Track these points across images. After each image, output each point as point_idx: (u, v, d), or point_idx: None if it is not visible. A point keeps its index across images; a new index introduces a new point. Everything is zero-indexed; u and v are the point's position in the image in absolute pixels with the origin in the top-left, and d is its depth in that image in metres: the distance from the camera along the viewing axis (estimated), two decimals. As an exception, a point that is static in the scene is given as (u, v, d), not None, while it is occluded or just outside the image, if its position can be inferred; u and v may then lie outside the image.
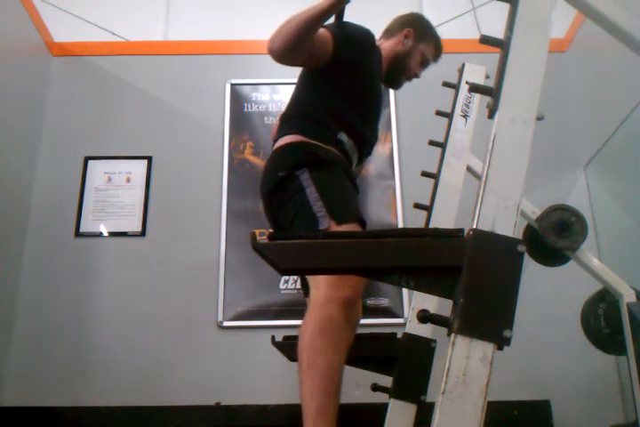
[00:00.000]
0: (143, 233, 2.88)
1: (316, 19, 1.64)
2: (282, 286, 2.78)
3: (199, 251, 2.84)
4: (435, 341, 1.80)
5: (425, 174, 2.08)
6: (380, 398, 1.83)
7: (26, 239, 2.85)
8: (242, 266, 2.80)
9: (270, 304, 2.75)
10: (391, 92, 3.05)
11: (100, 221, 2.91)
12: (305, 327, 1.46)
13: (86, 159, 3.00)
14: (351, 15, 1.83)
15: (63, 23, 3.26)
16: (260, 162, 2.95)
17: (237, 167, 2.99)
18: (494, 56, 1.11)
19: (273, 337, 1.92)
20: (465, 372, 0.85)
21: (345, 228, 1.56)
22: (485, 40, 1.07)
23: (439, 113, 2.13)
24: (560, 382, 2.64)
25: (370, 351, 1.84)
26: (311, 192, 1.62)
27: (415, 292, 1.86)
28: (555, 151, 2.96)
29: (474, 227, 0.93)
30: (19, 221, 2.84)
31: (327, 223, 1.56)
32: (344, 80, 1.83)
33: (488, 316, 0.89)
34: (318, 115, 1.80)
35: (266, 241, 0.93)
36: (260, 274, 2.75)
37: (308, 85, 1.90)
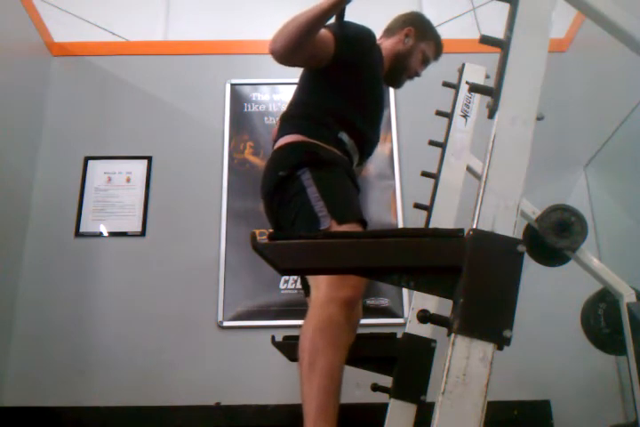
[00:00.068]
0: (143, 233, 2.88)
1: (318, 19, 1.64)
2: (282, 285, 2.78)
3: (199, 251, 2.84)
4: (435, 341, 1.80)
5: (425, 174, 2.08)
6: (380, 398, 1.83)
7: (26, 239, 2.85)
8: (242, 266, 2.80)
9: (270, 304, 2.75)
10: (391, 91, 3.05)
11: (100, 221, 2.91)
12: (306, 327, 1.47)
13: (86, 159, 3.00)
14: (352, 15, 1.83)
15: (63, 23, 3.26)
16: (259, 162, 2.95)
17: (237, 167, 2.99)
18: (494, 56, 1.11)
19: (273, 337, 1.92)
20: (465, 372, 0.85)
21: (346, 228, 1.56)
22: (485, 40, 1.07)
23: (439, 113, 2.13)
24: (560, 382, 2.64)
25: (370, 351, 1.84)
26: (312, 192, 1.62)
27: (415, 292, 1.86)
28: (555, 151, 2.96)
29: (474, 227, 0.93)
30: (19, 221, 2.84)
31: (328, 223, 1.57)
32: (345, 80, 1.83)
33: (488, 316, 0.88)
34: (319, 115, 1.80)
35: (266, 241, 0.93)
36: (260, 274, 2.75)
37: (309, 86, 1.90)
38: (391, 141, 3.05)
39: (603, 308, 2.17)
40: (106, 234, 2.89)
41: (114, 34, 3.36)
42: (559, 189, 2.93)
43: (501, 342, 0.87)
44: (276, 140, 1.85)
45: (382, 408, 1.74)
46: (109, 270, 2.82)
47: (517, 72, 1.03)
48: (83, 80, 3.19)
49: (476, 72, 2.12)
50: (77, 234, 2.88)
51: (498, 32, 1.13)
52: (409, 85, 2.17)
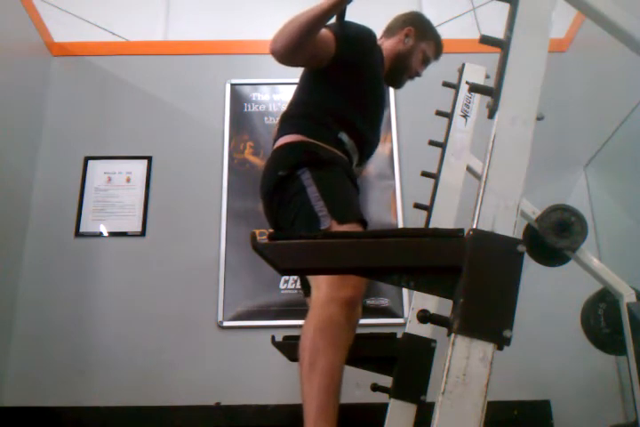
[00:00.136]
0: (143, 233, 2.88)
1: (319, 19, 1.64)
2: (282, 285, 2.78)
3: (199, 251, 2.84)
4: (435, 341, 1.80)
5: (425, 174, 2.08)
6: (380, 398, 1.83)
7: (26, 239, 2.85)
8: (242, 266, 2.80)
9: (270, 304, 2.75)
10: (391, 91, 3.05)
11: (100, 221, 2.91)
12: (306, 327, 1.47)
13: (86, 159, 3.00)
14: (352, 15, 1.83)
15: (63, 23, 3.26)
16: (259, 162, 2.95)
17: (237, 167, 2.99)
18: (494, 56, 1.11)
19: (273, 337, 1.92)
20: (465, 372, 0.85)
21: (346, 227, 1.56)
22: (485, 40, 1.07)
23: (439, 113, 2.13)
24: (560, 382, 2.64)
25: (370, 351, 1.84)
26: (312, 192, 1.62)
27: (415, 292, 1.86)
28: (555, 151, 2.96)
29: (474, 227, 0.93)
30: (19, 221, 2.84)
31: (328, 223, 1.57)
32: (346, 80, 1.83)
33: (488, 316, 0.89)
34: (319, 115, 1.80)
35: (266, 241, 0.93)
36: (260, 274, 2.75)
37: (309, 85, 1.90)
38: (391, 141, 3.05)
39: (603, 308, 2.17)
40: (106, 234, 2.89)
41: (114, 34, 3.36)
42: (559, 189, 2.93)
43: (501, 342, 0.87)
44: (275, 140, 1.85)
45: (382, 408, 1.74)
46: (109, 270, 2.82)
47: (517, 72, 1.03)
48: (83, 80, 3.19)
49: (476, 72, 2.13)
50: (77, 234, 2.88)
51: (498, 32, 1.13)
52: (409, 85, 2.17)
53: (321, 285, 1.51)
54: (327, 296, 1.48)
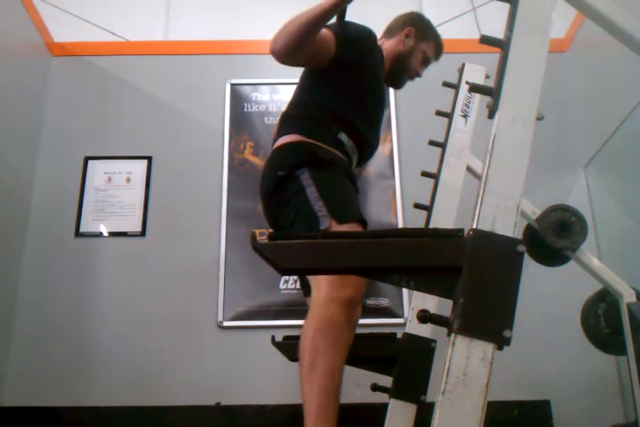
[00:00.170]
0: (143, 233, 2.88)
1: (319, 19, 1.63)
2: (282, 285, 2.78)
3: (199, 251, 2.84)
4: (435, 341, 1.80)
5: (425, 174, 2.08)
6: (380, 398, 1.83)
7: (26, 239, 2.85)
8: (242, 266, 2.80)
9: (270, 304, 2.75)
10: (391, 92, 3.04)
11: (100, 221, 2.91)
12: (307, 327, 1.47)
13: (86, 159, 3.00)
14: (352, 15, 1.83)
15: (63, 23, 3.26)
16: (259, 162, 2.95)
17: (237, 167, 2.99)
18: (494, 56, 1.11)
19: (273, 337, 1.92)
20: (465, 372, 0.85)
21: (346, 227, 1.56)
22: (485, 40, 1.07)
23: (439, 113, 2.13)
24: (560, 382, 2.64)
25: (370, 351, 1.84)
26: (311, 192, 1.62)
27: (415, 292, 1.86)
28: (555, 151, 2.96)
29: (474, 227, 0.93)
30: (19, 221, 2.84)
31: (328, 223, 1.57)
32: (346, 80, 1.83)
33: (488, 316, 0.89)
34: (319, 115, 1.80)
35: (266, 241, 0.93)
36: (260, 274, 2.75)
37: (309, 86, 1.90)
38: (391, 141, 3.05)
39: (603, 308, 2.17)
40: (106, 234, 2.89)
41: (114, 34, 3.36)
42: (559, 189, 2.93)
43: (501, 342, 0.87)
44: (275, 140, 1.85)
45: (382, 408, 1.74)
46: (109, 270, 2.82)
47: (517, 72, 1.03)
48: (83, 80, 3.19)
49: (476, 72, 2.12)
50: (77, 234, 2.88)
51: (498, 32, 1.13)
52: (409, 85, 2.17)
53: (321, 285, 1.51)
54: (327, 296, 1.48)
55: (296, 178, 1.66)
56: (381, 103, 2.00)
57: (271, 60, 1.70)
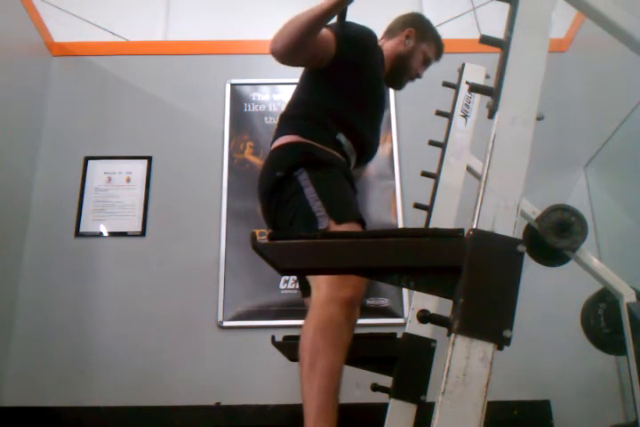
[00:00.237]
0: (143, 233, 2.88)
1: (319, 19, 1.63)
2: (282, 285, 2.78)
3: (199, 251, 2.84)
4: (435, 341, 1.80)
5: (425, 174, 2.08)
6: (380, 398, 1.83)
7: (26, 239, 2.85)
8: (242, 266, 2.80)
9: (270, 304, 2.75)
10: (391, 92, 3.04)
11: (100, 221, 2.91)
12: (306, 327, 1.47)
13: (86, 159, 3.00)
14: (352, 15, 1.83)
15: (63, 23, 3.26)
16: (259, 162, 2.95)
17: (237, 167, 2.99)
18: (494, 56, 1.11)
19: (273, 337, 1.92)
20: (465, 372, 0.85)
21: (344, 227, 1.56)
22: (485, 40, 1.07)
23: (439, 113, 2.13)
24: (560, 382, 2.64)
25: (370, 351, 1.84)
26: (310, 192, 1.62)
27: (415, 292, 1.86)
28: (555, 151, 2.96)
29: (474, 227, 0.93)
30: (19, 221, 2.84)
31: (326, 223, 1.57)
32: (346, 80, 1.83)
33: (488, 316, 0.89)
34: (318, 115, 1.80)
35: (266, 241, 0.93)
36: (260, 274, 2.75)
37: (309, 86, 1.89)
38: (391, 141, 3.05)
39: (603, 308, 2.17)
40: (106, 234, 2.89)
41: (114, 34, 3.36)
42: (559, 189, 2.93)
43: (501, 342, 0.87)
44: (273, 141, 1.85)
45: (382, 408, 1.74)
46: (109, 270, 2.82)
47: (517, 72, 1.03)
48: (83, 80, 3.19)
49: (476, 72, 2.12)
50: (77, 234, 2.88)
51: (498, 32, 1.13)
52: (409, 86, 2.17)
53: (321, 285, 1.51)
54: (327, 296, 1.48)
55: (294, 178, 1.66)
56: (381, 104, 2.00)
57: (271, 60, 1.70)
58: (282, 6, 2.78)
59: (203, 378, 2.62)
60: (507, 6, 1.09)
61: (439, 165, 2.04)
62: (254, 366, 2.63)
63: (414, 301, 1.88)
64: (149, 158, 3.01)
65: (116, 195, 2.95)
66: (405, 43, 2.05)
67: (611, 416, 2.50)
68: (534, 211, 2.20)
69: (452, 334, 0.87)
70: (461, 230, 0.95)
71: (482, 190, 0.95)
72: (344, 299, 1.47)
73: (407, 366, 1.78)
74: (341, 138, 1.80)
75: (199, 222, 2.90)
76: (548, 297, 2.68)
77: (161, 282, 2.79)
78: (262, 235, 0.94)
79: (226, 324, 2.72)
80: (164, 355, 2.66)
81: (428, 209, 2.00)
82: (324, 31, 1.73)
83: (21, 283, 2.77)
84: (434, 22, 2.16)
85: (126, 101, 3.13)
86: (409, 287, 0.94)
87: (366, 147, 1.92)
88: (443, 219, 1.94)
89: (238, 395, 2.57)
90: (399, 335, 1.88)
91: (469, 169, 2.16)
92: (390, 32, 2.11)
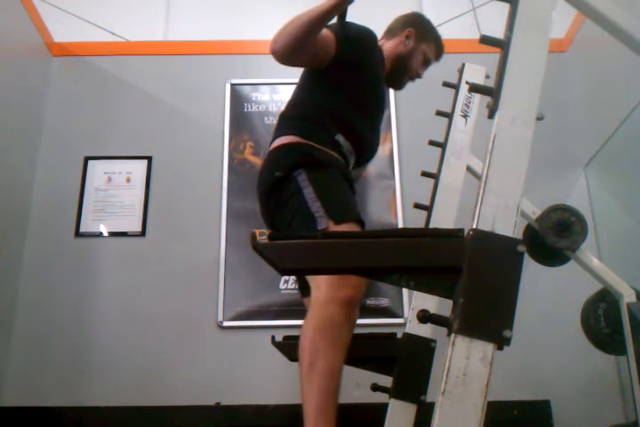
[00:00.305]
0: (143, 233, 2.88)
1: (319, 19, 1.63)
2: (282, 285, 2.78)
3: (199, 251, 2.84)
4: (435, 341, 1.80)
5: (425, 174, 2.08)
6: (380, 398, 1.83)
7: (26, 239, 2.85)
8: (242, 266, 2.80)
9: (270, 304, 2.75)
10: (391, 92, 3.04)
11: (100, 221, 2.91)
12: (306, 327, 1.47)
13: (86, 159, 3.00)
14: (352, 15, 1.83)
15: (63, 23, 3.26)
16: (259, 162, 2.93)
17: (237, 167, 2.99)
18: (494, 56, 1.11)
19: (273, 337, 1.92)
20: (465, 372, 0.85)
21: (343, 227, 1.56)
22: (485, 40, 1.07)
23: (439, 113, 2.13)
24: (560, 382, 2.64)
25: (370, 351, 1.84)
26: (309, 193, 1.62)
27: (415, 292, 1.86)
28: (555, 151, 2.96)
29: (474, 227, 0.93)
30: (19, 221, 2.84)
31: (325, 223, 1.57)
32: (346, 81, 1.83)
33: (488, 316, 0.88)
34: (317, 116, 1.80)
35: (266, 241, 0.93)
36: (260, 274, 2.75)
37: (308, 86, 1.89)
38: (391, 141, 3.05)
39: (603, 308, 2.17)
40: (106, 234, 2.89)
41: (114, 34, 3.36)
42: (559, 189, 2.93)
43: (501, 342, 0.87)
44: (272, 140, 1.85)
45: (382, 408, 1.74)
46: (109, 270, 2.82)
47: (517, 72, 1.03)
48: (83, 80, 3.19)
49: (476, 72, 2.12)
50: (77, 234, 2.88)
51: (498, 32, 1.13)
52: (409, 86, 2.17)
53: (321, 285, 1.51)
54: (327, 296, 1.48)
55: (293, 179, 1.66)
56: (381, 104, 2.00)
57: (271, 60, 1.70)
58: (282, 6, 2.79)
59: (203, 378, 2.62)
60: (507, 6, 1.09)
61: (439, 165, 2.04)
62: (254, 366, 2.63)
63: (414, 301, 1.88)
64: (149, 158, 3.01)
65: (115, 195, 2.95)
66: (405, 43, 2.05)
67: (611, 416, 2.50)
68: (534, 211, 2.20)
69: (452, 334, 0.87)
70: (461, 230, 0.95)
71: (482, 190, 0.95)
72: (344, 299, 1.47)
73: (407, 366, 1.78)
74: (340, 139, 1.80)
75: (199, 222, 2.90)
76: (548, 297, 2.68)
77: (161, 282, 2.79)
78: (262, 235, 0.93)
79: (226, 324, 2.72)
80: (164, 355, 2.66)
81: (428, 209, 2.00)
82: (324, 31, 1.73)
83: (21, 283, 2.77)
84: (434, 22, 2.16)
85: (126, 101, 3.13)
86: (409, 287, 0.94)
87: (366, 147, 1.92)
88: (443, 219, 1.94)
89: (238, 395, 2.57)
90: (399, 335, 1.88)
91: (469, 169, 2.16)
92: (390, 32, 2.10)
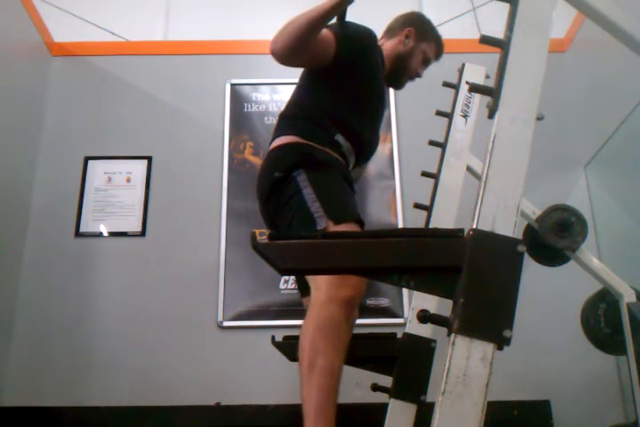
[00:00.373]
0: (143, 233, 2.88)
1: (319, 20, 1.63)
2: (282, 285, 2.78)
3: (199, 251, 2.84)
4: (435, 341, 1.80)
5: (425, 174, 2.08)
6: (380, 398, 1.83)
7: (26, 239, 2.85)
8: (242, 266, 2.80)
9: (270, 304, 2.75)
10: (391, 92, 3.04)
11: (100, 221, 2.91)
12: (306, 327, 1.47)
13: (86, 159, 3.00)
14: (352, 15, 1.83)
15: (63, 23, 3.26)
16: (259, 162, 2.93)
17: (237, 167, 2.99)
18: (494, 56, 1.11)
19: (273, 337, 1.92)
20: (465, 372, 0.85)
21: (343, 227, 1.56)
22: (485, 40, 1.07)
23: (439, 113, 2.13)
24: (560, 382, 2.64)
25: (370, 351, 1.84)
26: (308, 193, 1.62)
27: (415, 292, 1.86)
28: (555, 151, 2.96)
29: (474, 227, 0.93)
30: (19, 221, 2.84)
31: (325, 223, 1.57)
32: (345, 81, 1.83)
33: (488, 316, 0.88)
34: (316, 116, 1.80)
35: (266, 241, 0.93)
36: (260, 274, 2.75)
37: (308, 86, 1.89)
38: (391, 141, 3.05)
39: (603, 308, 2.17)
40: (106, 234, 2.89)
41: (114, 34, 3.36)
42: (559, 189, 2.93)
43: (501, 342, 0.87)
44: (272, 140, 1.85)
45: (382, 408, 1.74)
46: (109, 270, 2.82)
47: (517, 72, 1.03)
48: (83, 80, 3.19)
49: (476, 72, 2.12)
50: (77, 234, 2.88)
51: (498, 32, 1.13)
52: (409, 85, 2.17)
53: (321, 285, 1.51)
54: (327, 296, 1.48)
55: (293, 179, 1.66)
56: (381, 103, 2.00)
57: (271, 60, 1.70)
58: (282, 6, 2.78)
59: (203, 378, 2.62)
60: (507, 6, 1.09)
61: (439, 165, 2.04)
62: (254, 366, 2.63)
63: (414, 301, 1.88)
64: (149, 158, 3.01)
65: (115, 195, 2.95)
66: (405, 42, 2.05)
67: (611, 416, 2.50)
68: (534, 211, 2.20)
69: (452, 334, 0.87)
70: (461, 230, 0.95)
71: (482, 190, 0.95)
72: (343, 299, 1.47)
73: (407, 366, 1.78)
74: (340, 139, 1.80)
75: (199, 222, 2.90)
76: (547, 297, 2.68)
77: (161, 282, 2.78)
78: (262, 235, 0.93)
79: (226, 324, 2.72)
80: (164, 355, 2.66)
81: (428, 209, 2.00)
82: (324, 31, 1.73)
83: (21, 283, 2.77)
84: (434, 22, 2.16)
85: (126, 101, 3.13)
86: (409, 287, 0.94)
87: (365, 147, 1.92)
88: (443, 219, 1.94)
89: (238, 395, 2.57)
90: (399, 335, 1.88)
91: (469, 169, 2.16)
92: (390, 32, 2.10)
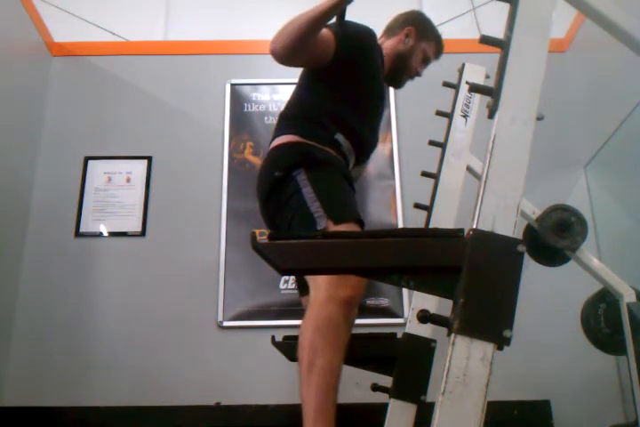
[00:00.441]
0: (143, 233, 2.88)
1: (319, 19, 1.63)
2: (282, 286, 2.78)
3: (199, 251, 2.84)
4: (435, 341, 1.80)
5: (425, 174, 2.08)
6: (380, 398, 1.83)
7: (26, 239, 2.85)
8: (242, 266, 2.80)
9: (270, 304, 2.75)
10: (391, 91, 3.05)
11: (100, 221, 2.91)
12: (305, 327, 1.47)
13: (86, 159, 3.00)
14: (352, 15, 1.83)
15: (63, 23, 3.26)
16: (259, 162, 2.93)
17: (237, 167, 2.99)
18: (494, 56, 1.11)
19: (273, 337, 1.92)
20: (465, 372, 0.85)
21: (343, 227, 1.56)
22: (485, 40, 1.07)
23: (439, 113, 2.13)
24: (560, 382, 2.64)
25: (370, 351, 1.84)
26: (308, 192, 1.62)
27: (415, 292, 1.86)
28: (555, 151, 2.96)
29: (474, 227, 0.93)
30: (19, 221, 2.84)
31: (325, 223, 1.56)
32: (345, 80, 1.83)
33: (488, 316, 0.88)
34: (316, 115, 1.80)
35: (266, 241, 0.93)
36: (260, 274, 2.75)
37: (308, 85, 1.89)
38: (391, 141, 3.05)
39: (603, 308, 2.17)
40: (106, 234, 2.89)
41: (114, 34, 3.36)
42: (559, 189, 2.93)
43: (501, 342, 0.87)
44: (272, 140, 1.85)
45: (382, 408, 1.74)
46: (109, 270, 2.82)
47: (517, 72, 1.03)
48: (83, 80, 3.19)
49: (476, 72, 2.12)
50: (77, 234, 2.88)
51: (498, 32, 1.13)
52: (409, 85, 2.17)
53: (320, 284, 1.51)
54: (326, 296, 1.48)
55: (292, 179, 1.66)
56: (381, 103, 2.00)
57: (271, 60, 1.70)
58: (282, 6, 2.79)
59: (203, 378, 2.62)
60: (507, 6, 1.09)
61: (439, 165, 2.04)
62: (254, 366, 2.63)
63: (414, 301, 1.88)
64: (149, 158, 3.01)
65: (116, 195, 2.95)
66: (405, 41, 2.05)
67: (611, 416, 2.50)
68: (534, 211, 2.20)
69: (452, 334, 0.87)
70: (461, 230, 0.95)
71: (482, 190, 0.95)
72: (343, 298, 1.47)
73: (407, 366, 1.78)
74: (340, 138, 1.80)
75: (199, 222, 2.90)
76: (547, 297, 2.68)
77: (161, 282, 2.79)
78: (262, 235, 0.93)
79: (226, 324, 2.72)
80: (164, 355, 2.66)
81: (428, 209, 1.99)
82: (324, 31, 1.73)
83: (21, 283, 2.77)
84: (434, 22, 2.16)
85: (126, 101, 3.13)
86: (409, 287, 0.94)
87: (365, 147, 1.92)
88: (443, 219, 1.94)
89: (238, 395, 2.57)
90: (399, 335, 1.88)
91: (469, 169, 2.16)
92: (390, 31, 2.11)
